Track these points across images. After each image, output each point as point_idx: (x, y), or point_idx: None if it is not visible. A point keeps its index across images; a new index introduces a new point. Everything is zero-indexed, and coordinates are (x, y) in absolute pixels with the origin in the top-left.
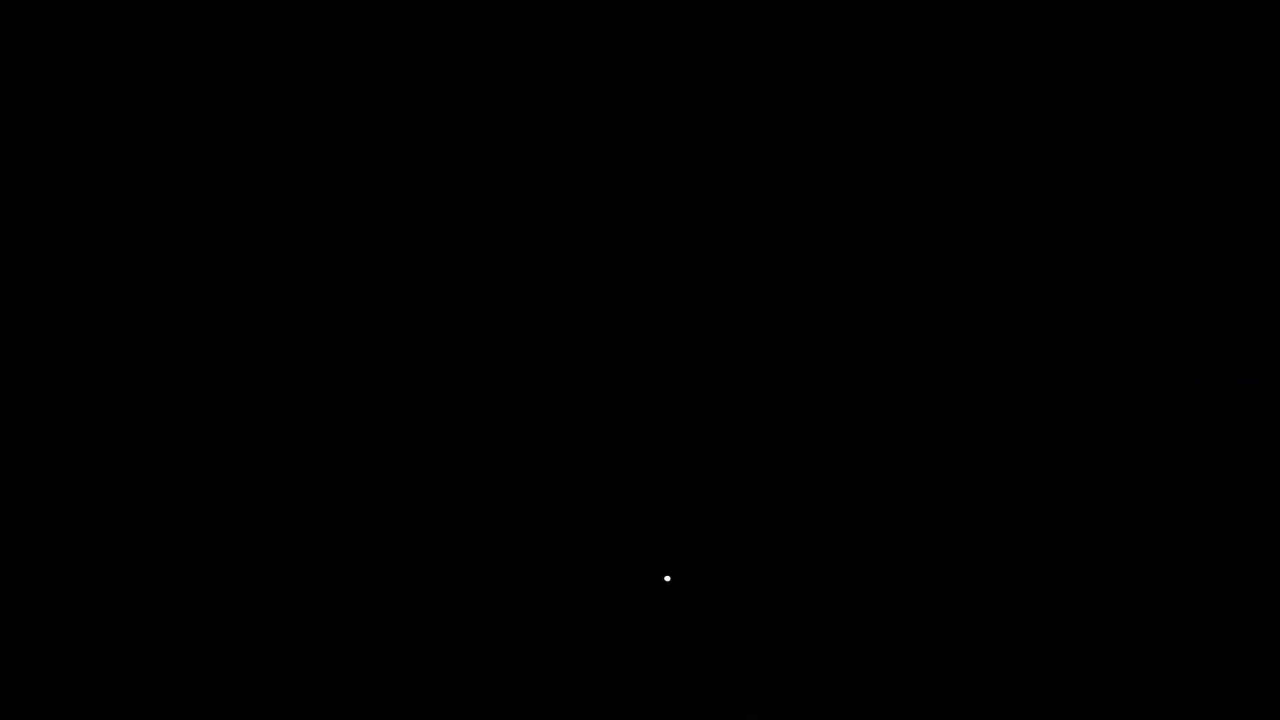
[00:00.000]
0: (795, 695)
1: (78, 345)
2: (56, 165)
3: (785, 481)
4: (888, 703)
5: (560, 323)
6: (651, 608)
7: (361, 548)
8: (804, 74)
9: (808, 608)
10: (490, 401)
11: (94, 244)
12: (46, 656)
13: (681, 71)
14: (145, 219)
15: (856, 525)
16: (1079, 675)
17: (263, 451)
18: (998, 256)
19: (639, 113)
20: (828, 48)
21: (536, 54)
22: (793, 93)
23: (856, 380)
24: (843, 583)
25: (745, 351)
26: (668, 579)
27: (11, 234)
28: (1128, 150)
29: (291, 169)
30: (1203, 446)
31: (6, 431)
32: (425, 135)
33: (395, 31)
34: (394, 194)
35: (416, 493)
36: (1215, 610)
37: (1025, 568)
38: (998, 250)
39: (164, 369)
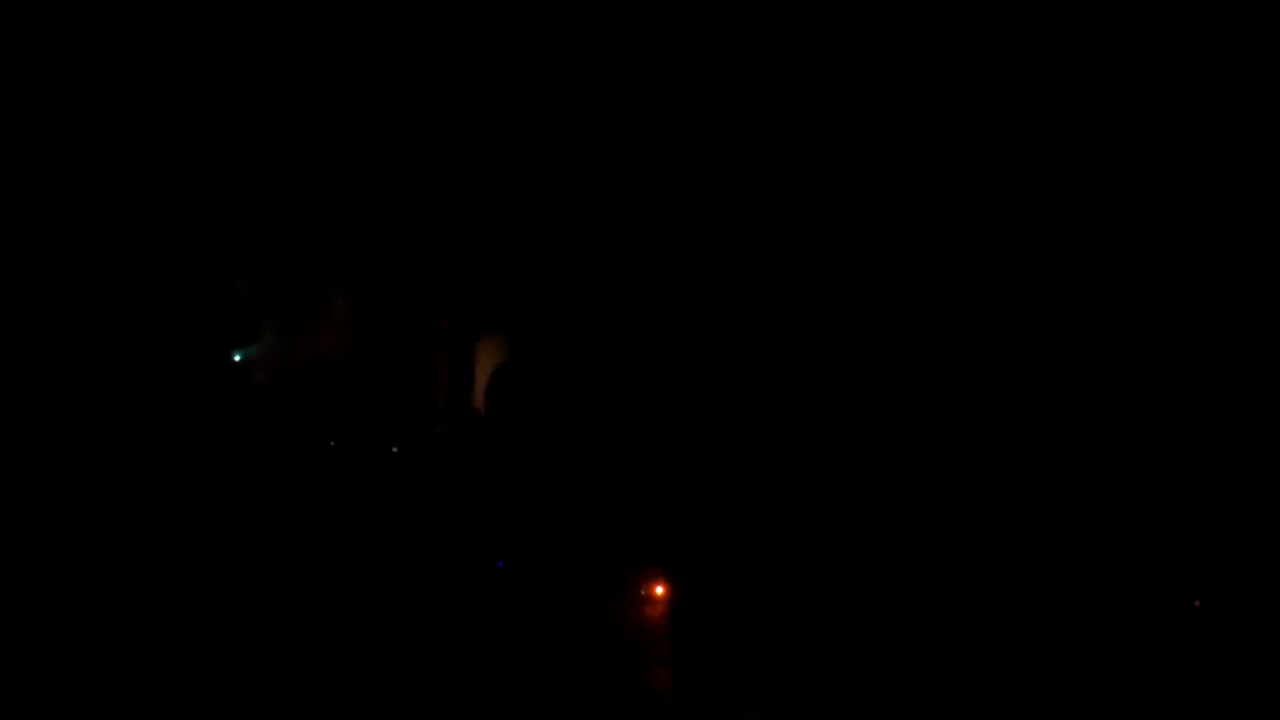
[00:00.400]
0: (795, 695)
1: (78, 345)
2: (57, 165)
3: (785, 481)
4: (888, 703)
5: (560, 322)
6: (651, 607)
7: (362, 547)
8: (804, 74)
9: (808, 608)
10: (490, 401)
11: (94, 244)
12: (47, 655)
13: (681, 71)
14: (145, 219)
15: (856, 525)
16: (1079, 675)
17: (263, 451)
18: (998, 256)
19: (639, 113)
20: (827, 48)
21: (536, 54)
22: (793, 93)
23: (856, 380)
24: (843, 583)
25: (745, 351)
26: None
27: (12, 234)
28: (1128, 151)
29: (291, 169)
30: (1203, 446)
31: (6, 430)
32: (425, 135)
33: (395, 31)
34: (394, 194)
35: (416, 492)
36: (1215, 610)
37: (1025, 568)
38: (998, 250)
39: (164, 369)
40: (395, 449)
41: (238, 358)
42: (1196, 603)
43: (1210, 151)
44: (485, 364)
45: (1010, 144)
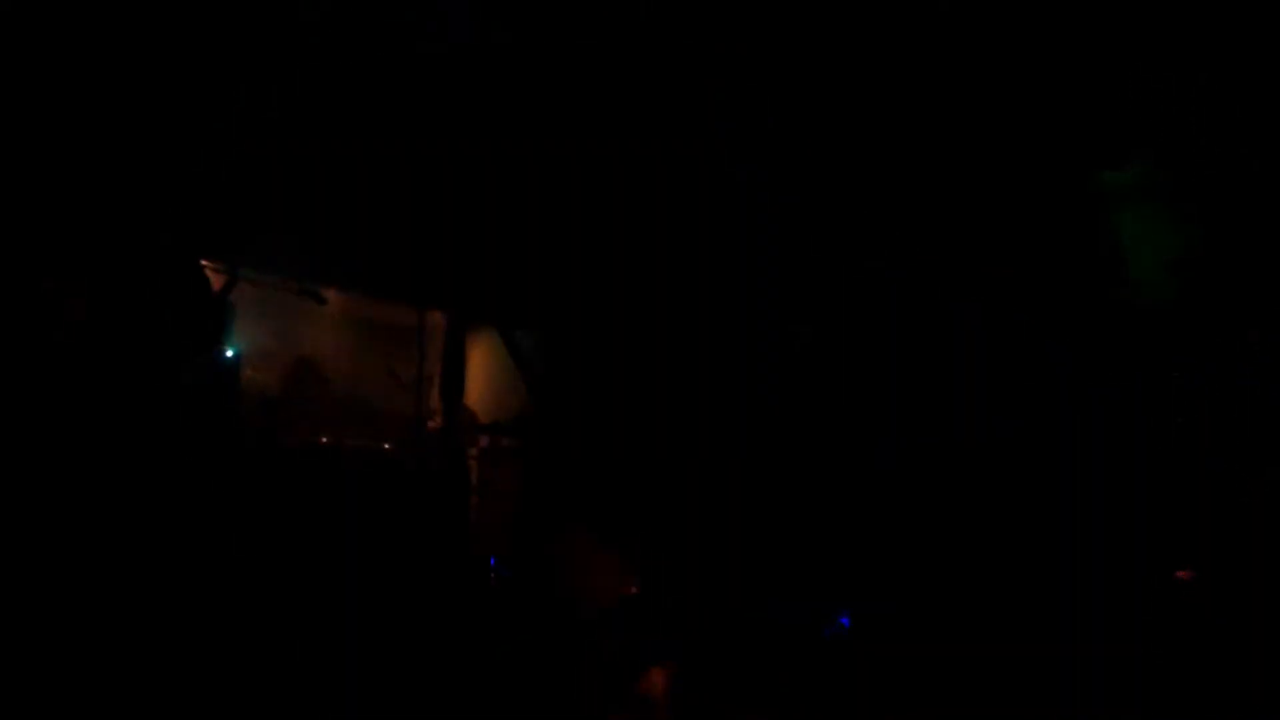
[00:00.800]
0: (795, 695)
1: (77, 344)
2: (57, 165)
3: (785, 481)
4: (888, 703)
5: (559, 322)
6: (651, 607)
7: (361, 547)
8: (804, 74)
9: (808, 608)
10: (490, 400)
11: (94, 244)
12: (47, 655)
13: (681, 71)
14: (145, 219)
15: (856, 525)
16: (1079, 675)
17: (261, 449)
18: (998, 256)
19: (639, 113)
20: (827, 48)
21: (536, 54)
22: (793, 93)
23: (856, 380)
24: (843, 583)
25: (745, 351)
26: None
27: (12, 234)
28: (1127, 151)
29: (291, 169)
30: (1203, 446)
31: (5, 430)
32: (425, 135)
33: (395, 31)
34: (393, 193)
35: (414, 493)
36: (1215, 610)
37: (1025, 568)
38: (998, 250)
39: (164, 368)
40: (386, 445)
41: (230, 353)
42: (1184, 574)
43: (1210, 151)
44: (477, 361)
45: (1010, 144)
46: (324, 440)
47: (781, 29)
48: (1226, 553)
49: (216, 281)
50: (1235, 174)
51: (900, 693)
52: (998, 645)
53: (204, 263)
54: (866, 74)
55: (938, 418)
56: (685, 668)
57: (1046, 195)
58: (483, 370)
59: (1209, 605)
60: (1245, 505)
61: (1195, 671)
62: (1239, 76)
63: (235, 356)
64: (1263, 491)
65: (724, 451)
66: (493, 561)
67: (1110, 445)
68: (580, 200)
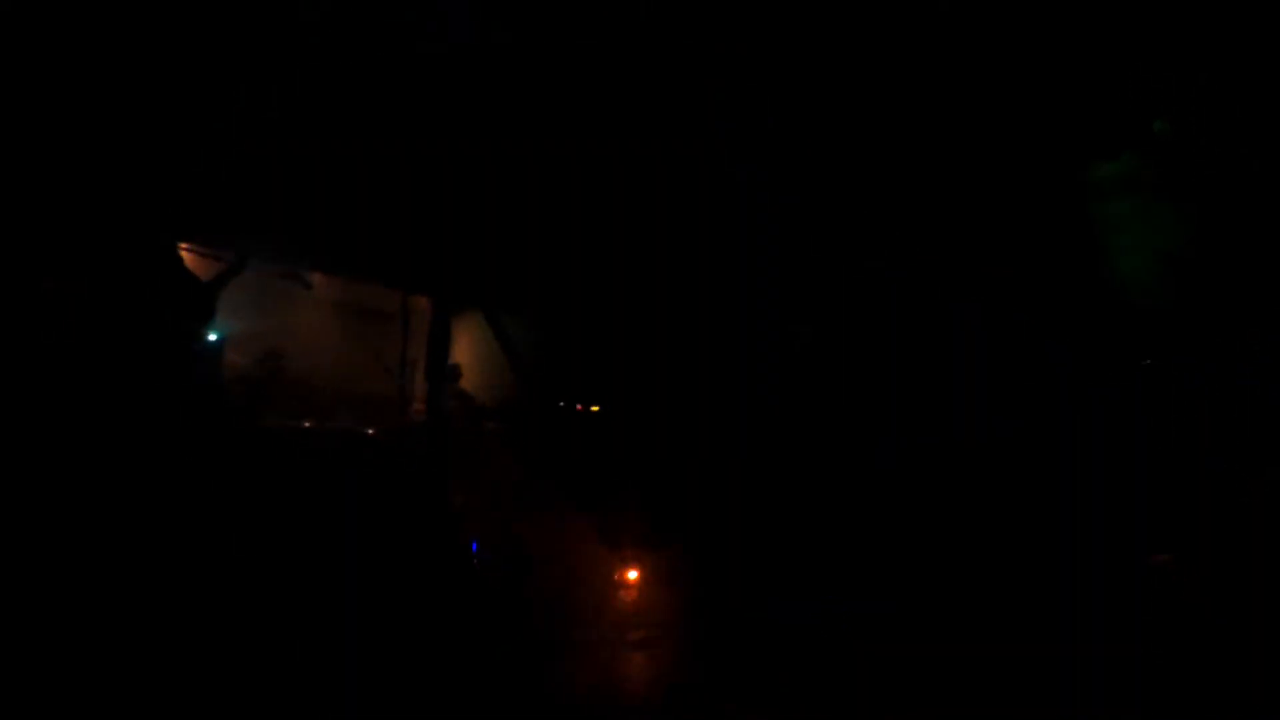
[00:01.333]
0: (795, 695)
1: (77, 344)
2: (57, 165)
3: (785, 481)
4: (888, 703)
5: (559, 322)
6: (651, 607)
7: (362, 547)
8: (803, 74)
9: (808, 608)
10: (477, 385)
11: (94, 244)
12: (47, 655)
13: (681, 71)
14: (145, 219)
15: (856, 525)
16: (1079, 675)
17: (258, 448)
18: (998, 256)
19: (639, 113)
20: (827, 48)
21: (536, 54)
22: (793, 93)
23: (856, 380)
24: (843, 583)
25: (745, 351)
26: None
27: (11, 234)
28: (1127, 151)
29: (291, 169)
30: (1203, 446)
31: (6, 429)
32: (425, 135)
33: (395, 31)
34: (394, 193)
35: (396, 475)
36: (1215, 610)
37: (1025, 568)
38: (998, 250)
39: (164, 367)
40: (371, 430)
41: (214, 337)
42: (1160, 559)
43: (1210, 151)
44: (464, 346)
45: (1010, 145)
46: (307, 424)
47: (781, 30)
48: (1226, 552)
49: (214, 269)
50: (1234, 173)
51: (900, 693)
52: (998, 645)
53: (202, 250)
54: (866, 75)
55: (937, 418)
56: (685, 664)
57: (1046, 196)
58: (470, 355)
59: (1209, 605)
60: (1245, 505)
61: (1195, 671)
62: (1238, 75)
63: (219, 341)
64: (1263, 491)
65: (724, 451)
66: (474, 547)
67: (1110, 445)
68: (581, 200)
